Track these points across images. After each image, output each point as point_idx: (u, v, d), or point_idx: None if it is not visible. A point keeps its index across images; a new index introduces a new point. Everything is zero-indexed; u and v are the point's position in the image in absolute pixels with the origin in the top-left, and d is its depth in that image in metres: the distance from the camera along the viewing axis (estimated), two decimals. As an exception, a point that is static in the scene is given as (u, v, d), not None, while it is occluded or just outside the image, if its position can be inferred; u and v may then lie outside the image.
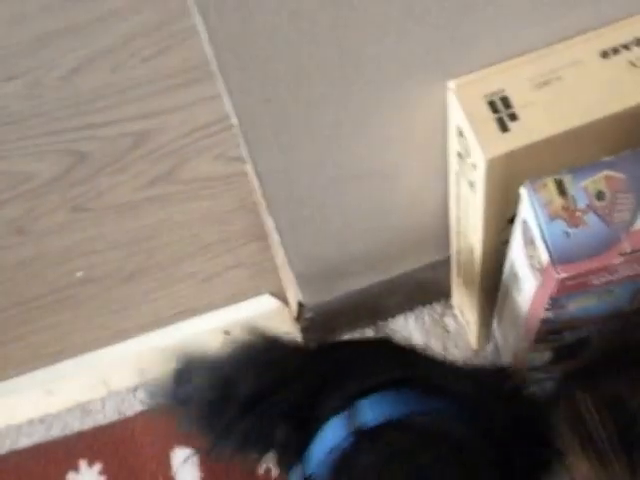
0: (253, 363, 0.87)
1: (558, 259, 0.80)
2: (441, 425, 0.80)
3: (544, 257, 0.81)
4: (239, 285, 1.29)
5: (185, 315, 1.28)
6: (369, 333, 1.26)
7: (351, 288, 1.17)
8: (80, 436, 1.27)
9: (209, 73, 1.34)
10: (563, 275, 0.80)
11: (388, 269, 1.16)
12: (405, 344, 0.93)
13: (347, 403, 0.80)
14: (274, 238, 1.15)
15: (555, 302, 0.86)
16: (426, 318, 1.26)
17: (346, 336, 1.26)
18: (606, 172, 0.82)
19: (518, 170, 0.86)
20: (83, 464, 1.25)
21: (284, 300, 1.25)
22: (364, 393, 0.81)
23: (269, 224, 1.19)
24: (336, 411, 0.80)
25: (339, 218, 1.03)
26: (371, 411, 0.80)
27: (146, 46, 1.39)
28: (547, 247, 0.81)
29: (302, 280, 1.13)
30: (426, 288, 1.23)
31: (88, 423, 1.28)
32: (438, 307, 1.27)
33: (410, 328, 1.26)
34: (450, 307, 1.26)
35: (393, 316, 1.26)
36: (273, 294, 1.27)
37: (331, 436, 0.80)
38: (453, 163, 0.96)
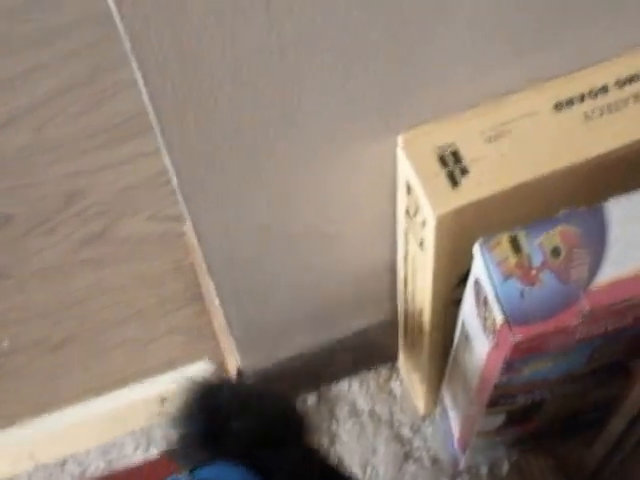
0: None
1: (513, 320, 0.77)
2: None
3: (498, 318, 0.78)
4: (175, 351, 1.23)
5: (119, 384, 1.22)
6: (312, 399, 1.21)
7: (293, 352, 1.13)
8: (4, 515, 1.20)
9: (141, 129, 1.31)
10: (519, 337, 0.77)
11: (332, 331, 1.12)
12: None
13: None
14: (213, 301, 1.11)
15: (509, 366, 0.82)
16: (371, 382, 1.22)
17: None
18: (561, 227, 0.79)
19: (469, 226, 0.82)
20: None
21: (222, 366, 1.20)
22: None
23: (208, 286, 1.14)
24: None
25: (282, 280, 0.99)
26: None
27: (73, 102, 1.34)
28: (501, 307, 0.77)
29: (242, 345, 1.08)
30: (371, 351, 1.18)
31: (13, 499, 1.21)
32: (384, 371, 1.22)
33: (354, 394, 1.21)
34: (396, 371, 1.22)
35: (337, 380, 1.22)
36: (211, 359, 1.21)
37: None
38: (402, 221, 0.92)
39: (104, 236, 1.29)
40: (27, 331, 1.27)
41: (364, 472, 1.17)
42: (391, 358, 1.21)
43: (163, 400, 1.21)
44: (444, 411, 1.12)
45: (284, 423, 0.87)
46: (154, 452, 1.20)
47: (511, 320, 0.77)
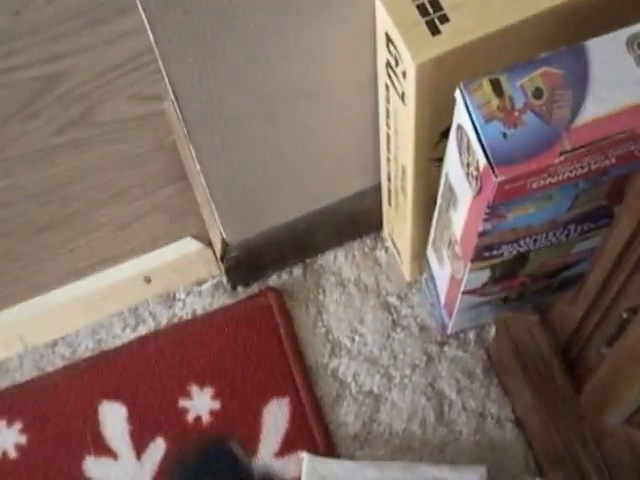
0: None
1: (496, 161, 0.77)
2: None
3: (481, 161, 0.78)
4: (159, 229, 1.23)
5: (104, 264, 1.22)
6: (298, 271, 1.22)
7: (276, 222, 1.13)
8: (-2, 396, 1.21)
9: (117, 11, 1.29)
10: (502, 178, 0.77)
11: (314, 200, 1.12)
12: None
13: None
14: (196, 170, 1.10)
15: (493, 211, 0.82)
16: (356, 253, 1.22)
17: (273, 275, 1.22)
18: (543, 69, 0.79)
19: (450, 76, 0.82)
20: (2, 424, 1.18)
21: (207, 242, 1.20)
22: None
23: (190, 161, 1.14)
24: None
25: (263, 143, 0.98)
26: None
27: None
28: (484, 149, 0.77)
29: (225, 215, 1.08)
30: (355, 220, 1.19)
31: (5, 382, 1.21)
32: (368, 240, 1.23)
33: (340, 264, 1.22)
34: (381, 240, 1.23)
35: (322, 252, 1.22)
36: (195, 237, 1.22)
37: None
38: (383, 76, 0.92)
39: (86, 119, 1.29)
40: (11, 214, 1.26)
41: (352, 341, 1.18)
42: (375, 228, 1.22)
43: (148, 279, 1.22)
44: (430, 276, 1.13)
45: None
46: (142, 331, 1.21)
47: (494, 161, 0.77)
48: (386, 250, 1.22)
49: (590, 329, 0.91)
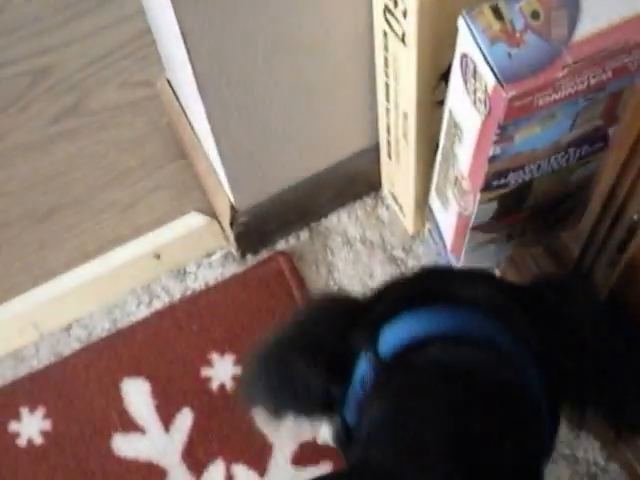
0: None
1: (504, 79, 0.82)
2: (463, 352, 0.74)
3: (490, 81, 0.82)
4: (163, 207, 1.26)
5: (112, 245, 1.25)
6: (304, 235, 1.25)
7: (281, 186, 1.16)
8: (16, 384, 1.21)
9: (98, 3, 1.33)
10: (512, 93, 0.81)
11: (316, 162, 1.16)
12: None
13: (371, 332, 0.76)
14: (201, 133, 1.13)
15: (503, 131, 0.86)
16: (359, 212, 1.26)
17: (281, 241, 1.25)
18: (537, -8, 0.84)
19: (448, 11, 0.86)
20: (24, 411, 1.19)
21: (212, 215, 1.23)
22: (386, 318, 0.76)
23: (192, 129, 1.16)
24: (363, 343, 0.76)
25: (268, 101, 1.02)
26: (389, 338, 0.75)
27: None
28: (492, 70, 0.82)
29: (233, 179, 1.11)
30: (355, 181, 1.22)
31: (23, 370, 1.22)
32: (369, 200, 1.26)
33: (344, 224, 1.25)
34: (381, 199, 1.26)
35: (325, 215, 1.25)
36: (200, 210, 1.24)
37: (359, 372, 0.76)
38: (380, 23, 0.96)
39: (78, 108, 1.31)
40: (12, 204, 1.28)
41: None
42: (374, 188, 1.26)
43: (158, 255, 1.24)
44: (434, 225, 1.16)
45: None
46: (157, 306, 1.23)
47: (502, 79, 0.81)
48: (387, 207, 1.26)
49: (598, 244, 0.94)
